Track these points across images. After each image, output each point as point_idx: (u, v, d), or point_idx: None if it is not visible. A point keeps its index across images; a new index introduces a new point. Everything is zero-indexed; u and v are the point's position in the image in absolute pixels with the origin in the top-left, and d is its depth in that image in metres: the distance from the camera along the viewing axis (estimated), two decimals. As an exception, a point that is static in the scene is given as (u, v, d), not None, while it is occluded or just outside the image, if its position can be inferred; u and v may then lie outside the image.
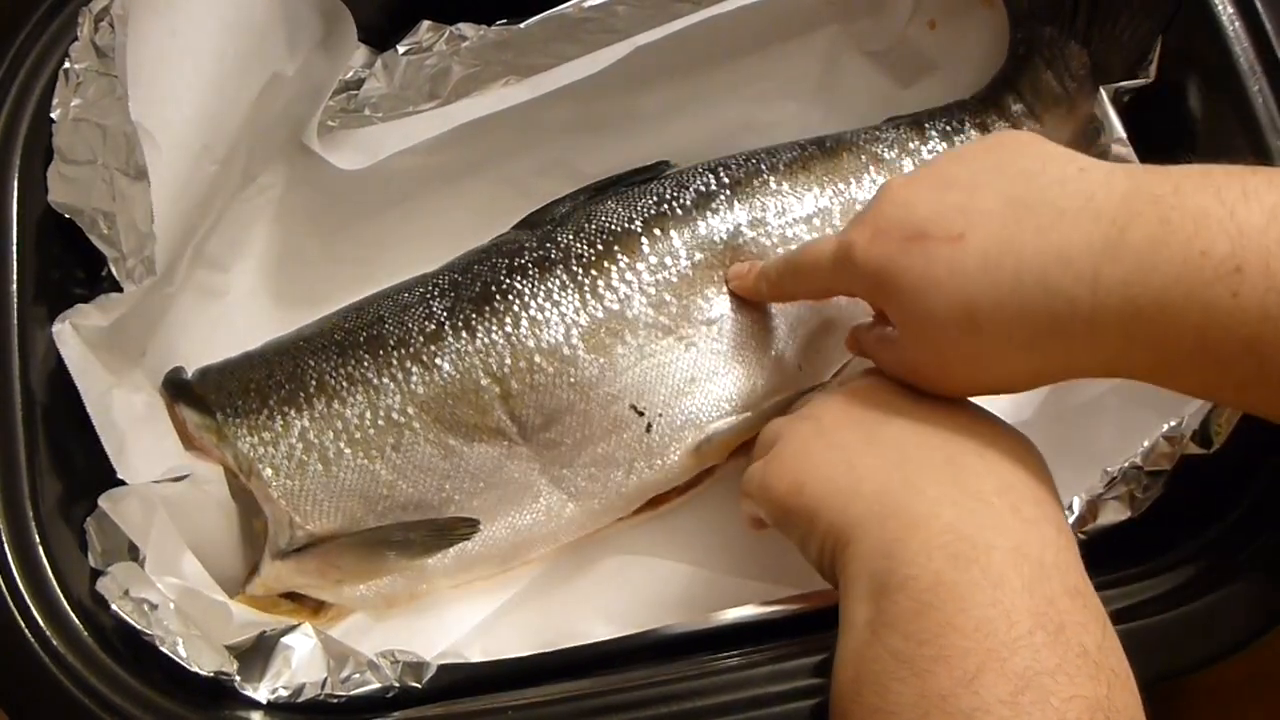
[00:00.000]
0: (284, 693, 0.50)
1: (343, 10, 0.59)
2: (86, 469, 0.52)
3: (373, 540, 0.55)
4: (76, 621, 0.49)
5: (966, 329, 0.42)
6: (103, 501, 0.51)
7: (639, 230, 0.58)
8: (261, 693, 0.50)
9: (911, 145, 0.62)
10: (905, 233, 0.43)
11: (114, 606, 0.48)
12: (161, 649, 0.48)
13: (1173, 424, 0.50)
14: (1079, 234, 0.39)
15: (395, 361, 0.56)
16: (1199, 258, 0.36)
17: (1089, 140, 0.60)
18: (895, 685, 0.37)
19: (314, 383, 0.56)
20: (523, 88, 0.62)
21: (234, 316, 0.64)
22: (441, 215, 0.67)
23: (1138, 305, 0.38)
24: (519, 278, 0.57)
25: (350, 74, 0.64)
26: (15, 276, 0.53)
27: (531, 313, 0.56)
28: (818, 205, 0.60)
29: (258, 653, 0.51)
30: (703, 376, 0.57)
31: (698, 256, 0.58)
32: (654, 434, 0.57)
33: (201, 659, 0.48)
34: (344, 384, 0.56)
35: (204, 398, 0.57)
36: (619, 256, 0.58)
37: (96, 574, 0.50)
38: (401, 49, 0.63)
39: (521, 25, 0.62)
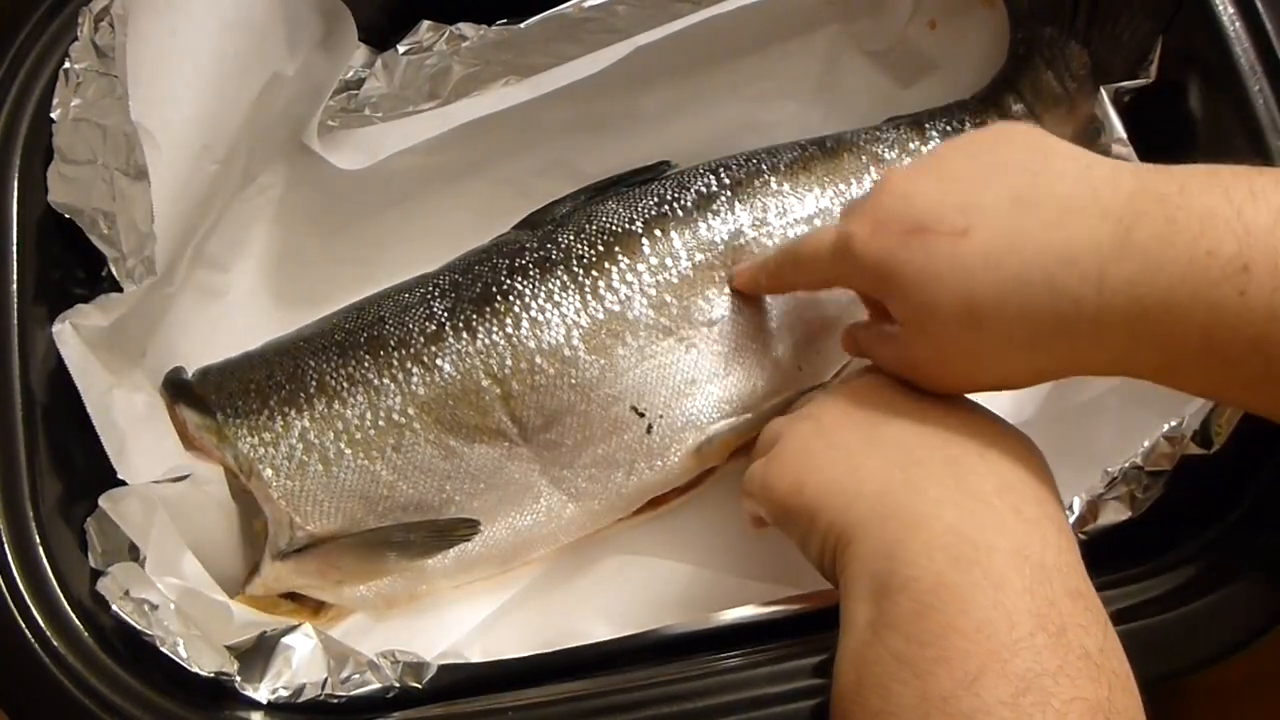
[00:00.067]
0: (284, 693, 0.50)
1: (343, 10, 0.59)
2: (86, 469, 0.52)
3: (373, 541, 0.55)
4: (76, 622, 0.49)
5: (968, 325, 0.41)
6: (103, 501, 0.51)
7: (640, 231, 0.58)
8: (262, 693, 0.50)
9: (912, 145, 0.62)
10: (906, 226, 0.43)
11: (114, 607, 0.48)
12: (162, 649, 0.48)
13: (1173, 424, 0.50)
14: (1085, 232, 0.39)
15: (396, 362, 0.56)
16: (1206, 257, 0.36)
17: (1089, 140, 0.60)
18: (896, 686, 0.37)
19: (314, 383, 0.56)
20: (523, 88, 0.62)
21: (234, 316, 0.64)
22: (441, 215, 0.67)
23: (1144, 305, 0.38)
24: (520, 278, 0.57)
25: (350, 74, 0.64)
26: (15, 276, 0.53)
27: (532, 314, 0.56)
28: (819, 206, 0.60)
29: (258, 653, 0.51)
30: (703, 378, 0.57)
31: (698, 257, 0.58)
32: (654, 435, 0.57)
33: (202, 659, 0.48)
34: (344, 384, 0.56)
35: (204, 398, 0.57)
36: (620, 257, 0.58)
37: (97, 574, 0.50)
38: (401, 49, 0.63)
39: (521, 25, 0.62)
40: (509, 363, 0.56)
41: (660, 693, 0.47)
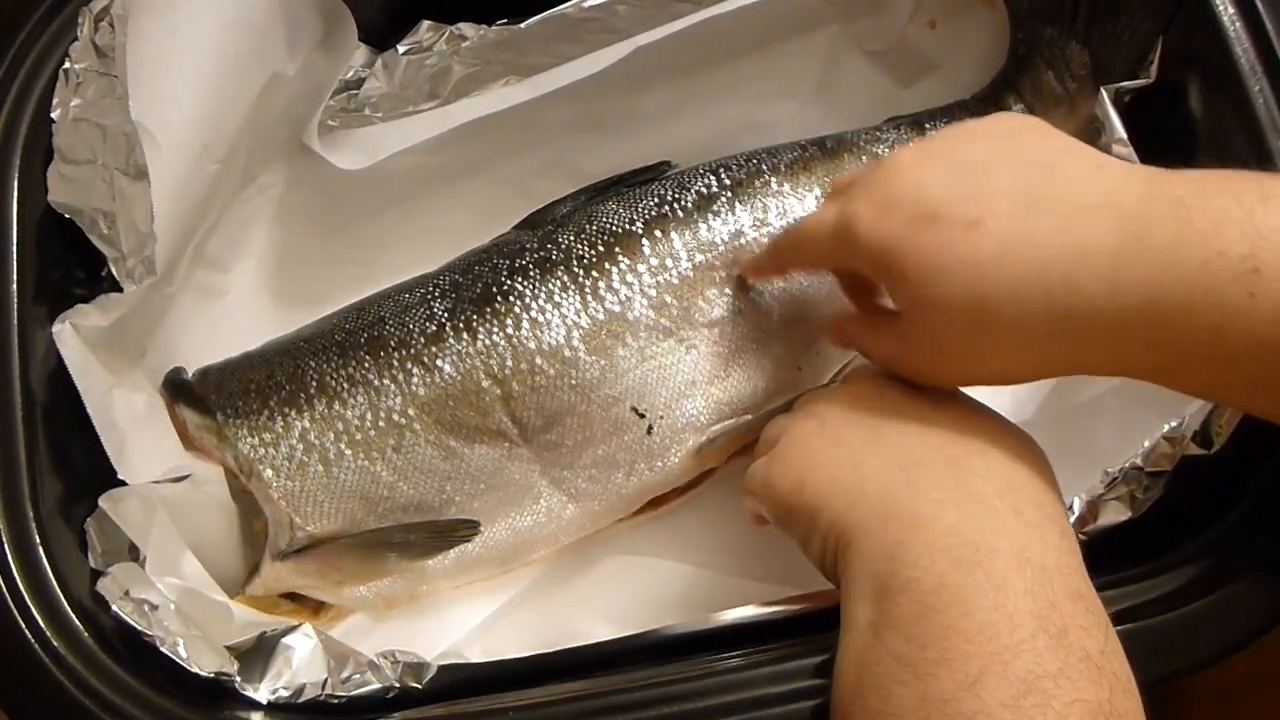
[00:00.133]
0: (284, 693, 0.50)
1: (343, 10, 0.59)
2: (86, 469, 0.52)
3: (373, 542, 0.55)
4: (76, 622, 0.49)
5: (975, 319, 0.41)
6: (103, 502, 0.51)
7: (640, 232, 0.58)
8: (262, 693, 0.50)
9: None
10: (915, 212, 0.42)
11: (114, 607, 0.48)
12: (162, 649, 0.48)
13: (1173, 424, 0.50)
14: (1100, 231, 0.39)
15: (396, 363, 0.56)
16: (1218, 258, 0.37)
17: (1089, 140, 0.59)
18: (897, 688, 0.37)
19: (315, 384, 0.56)
20: (523, 88, 0.62)
21: (234, 316, 0.64)
22: (441, 215, 0.67)
23: (1155, 304, 0.38)
24: (520, 279, 0.57)
25: (350, 74, 0.64)
26: (15, 276, 0.52)
27: (532, 314, 0.56)
28: (819, 206, 0.60)
29: (258, 653, 0.51)
30: (703, 379, 0.57)
31: (699, 258, 0.58)
32: (655, 436, 0.57)
33: (202, 659, 0.48)
34: (345, 385, 0.56)
35: (204, 398, 0.57)
36: (620, 258, 0.58)
37: (97, 574, 0.50)
38: (402, 49, 0.63)
39: (522, 25, 0.62)
40: (509, 363, 0.56)
41: (661, 693, 0.47)
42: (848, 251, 0.45)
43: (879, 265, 0.44)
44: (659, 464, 0.57)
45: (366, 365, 0.56)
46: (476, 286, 0.58)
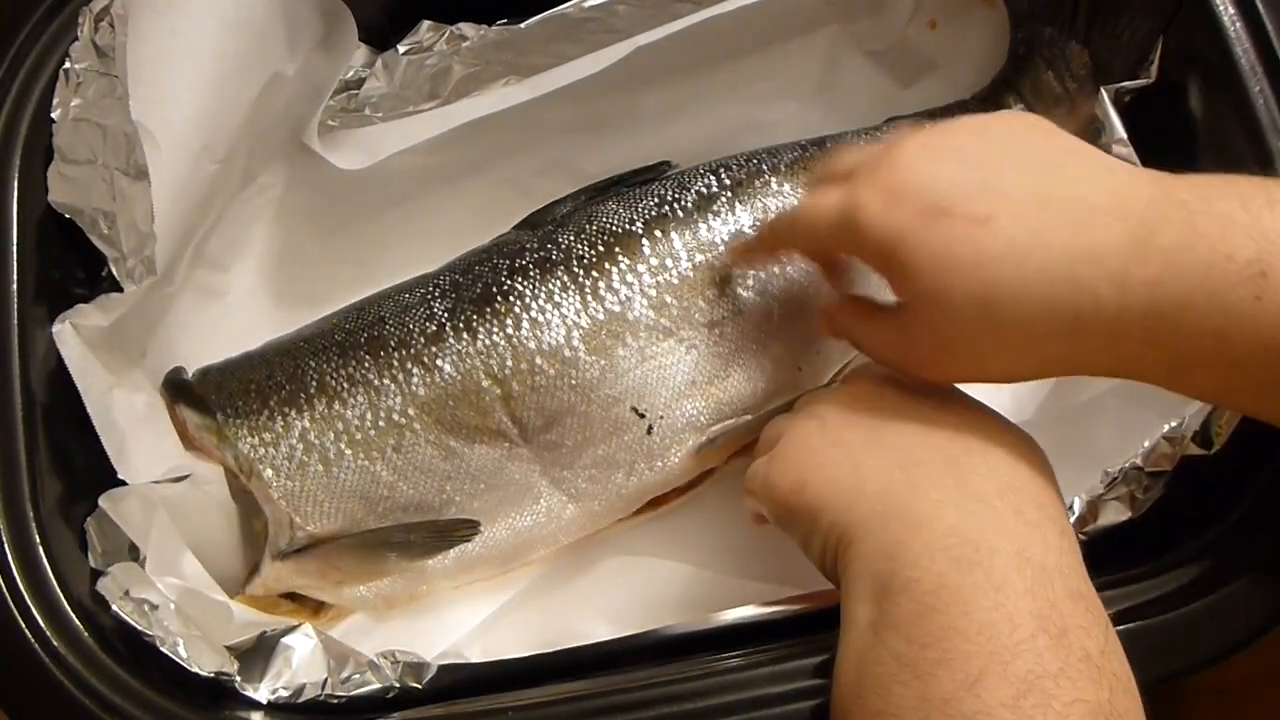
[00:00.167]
0: (284, 693, 0.50)
1: (343, 10, 0.59)
2: (86, 469, 0.52)
3: (373, 542, 0.55)
4: (76, 622, 0.49)
5: (980, 315, 0.41)
6: (103, 501, 0.51)
7: (640, 232, 0.58)
8: (262, 693, 0.50)
9: (912, 146, 0.62)
10: (924, 205, 0.41)
11: (114, 607, 0.48)
12: (162, 649, 0.48)
13: (1173, 424, 0.50)
14: (1109, 233, 0.39)
15: (396, 362, 0.56)
16: (1225, 261, 0.37)
17: (1089, 140, 0.59)
18: (897, 688, 0.37)
19: (315, 383, 0.56)
20: (523, 88, 0.62)
21: (234, 316, 0.64)
22: (441, 215, 0.67)
23: (1162, 306, 0.38)
24: (520, 279, 0.57)
25: (350, 74, 0.64)
26: (15, 276, 0.52)
27: (532, 314, 0.56)
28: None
29: (258, 653, 0.51)
30: (703, 379, 0.57)
31: (699, 258, 0.58)
32: (655, 436, 0.57)
33: (202, 659, 0.48)
34: (345, 385, 0.56)
35: (204, 398, 0.57)
36: (620, 258, 0.58)
37: (97, 574, 0.50)
38: (402, 49, 0.63)
39: (522, 25, 0.62)
40: (509, 363, 0.56)
41: (661, 693, 0.47)
42: (850, 240, 0.44)
43: (883, 256, 0.43)
44: (659, 464, 0.57)
45: (366, 365, 0.56)
46: (476, 286, 0.58)
